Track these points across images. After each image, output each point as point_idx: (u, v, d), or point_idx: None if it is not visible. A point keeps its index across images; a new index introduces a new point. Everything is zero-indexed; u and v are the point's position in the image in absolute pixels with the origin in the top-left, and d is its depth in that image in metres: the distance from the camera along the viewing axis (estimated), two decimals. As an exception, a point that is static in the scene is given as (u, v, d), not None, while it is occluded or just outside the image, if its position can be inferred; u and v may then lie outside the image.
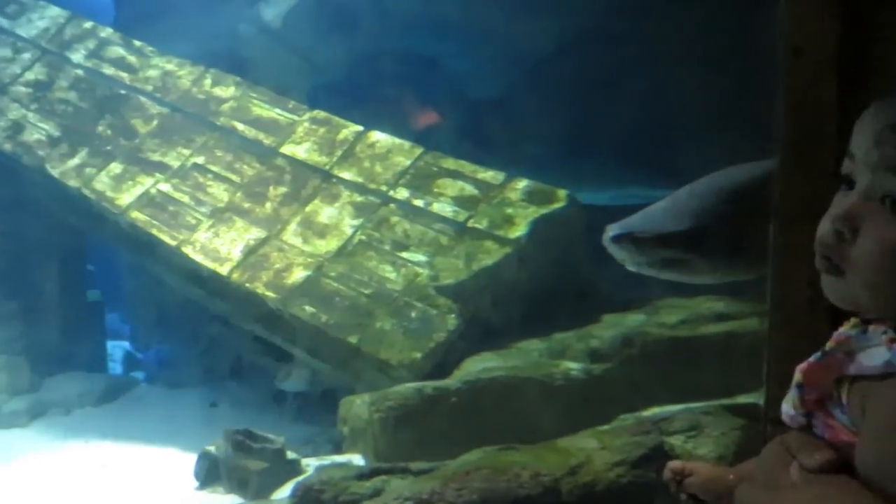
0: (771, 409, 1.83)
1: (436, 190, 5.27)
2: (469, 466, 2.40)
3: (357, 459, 4.06)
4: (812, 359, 1.11)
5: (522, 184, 5.19)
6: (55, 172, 6.00)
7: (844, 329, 1.11)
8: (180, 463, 4.75)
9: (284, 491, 3.69)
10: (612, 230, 3.05)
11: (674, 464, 1.19)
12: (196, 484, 4.29)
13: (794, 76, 1.88)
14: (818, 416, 1.09)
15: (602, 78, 6.97)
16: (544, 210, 4.98)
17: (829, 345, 1.10)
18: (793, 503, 1.03)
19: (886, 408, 0.97)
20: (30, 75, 6.51)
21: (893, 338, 1.02)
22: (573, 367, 4.10)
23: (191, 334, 6.68)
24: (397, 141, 5.61)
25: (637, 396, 3.56)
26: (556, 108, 7.16)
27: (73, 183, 5.92)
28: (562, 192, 5.07)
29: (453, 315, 4.64)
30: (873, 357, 1.03)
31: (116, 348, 7.74)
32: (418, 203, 5.23)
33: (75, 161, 6.03)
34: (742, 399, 2.92)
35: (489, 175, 5.28)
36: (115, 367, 7.50)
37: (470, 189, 5.23)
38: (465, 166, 5.36)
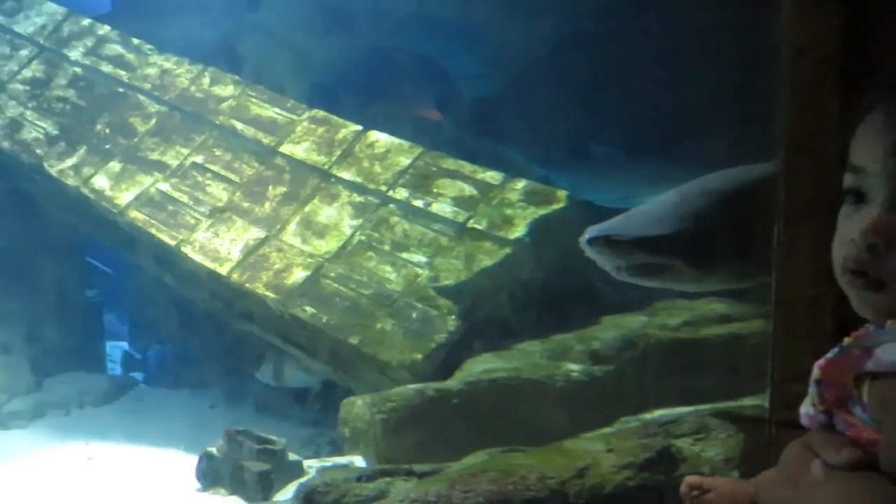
0: (775, 410, 1.84)
1: (435, 190, 5.27)
2: (474, 469, 2.41)
3: (358, 461, 4.07)
4: (830, 354, 1.11)
5: (521, 184, 5.20)
6: (53, 171, 5.98)
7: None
8: (181, 464, 4.75)
9: (287, 493, 3.70)
10: (588, 232, 2.95)
11: (692, 479, 1.18)
12: (198, 485, 4.29)
13: (796, 75, 1.88)
14: (839, 415, 1.09)
15: (598, 77, 6.97)
16: (543, 210, 4.98)
17: (846, 340, 1.10)
18: (818, 499, 1.04)
19: None
20: (27, 73, 6.48)
21: None
22: (574, 368, 4.11)
23: (189, 335, 6.67)
24: (396, 141, 5.61)
25: (639, 399, 3.56)
26: (553, 107, 7.16)
27: (71, 182, 5.90)
28: (561, 193, 5.07)
29: (453, 316, 4.65)
30: (891, 352, 1.03)
31: (115, 349, 7.73)
32: (418, 203, 5.23)
33: (73, 160, 6.01)
34: (748, 401, 2.92)
35: (488, 175, 5.28)
36: (114, 368, 7.48)
37: (469, 189, 5.23)
38: (465, 166, 5.36)
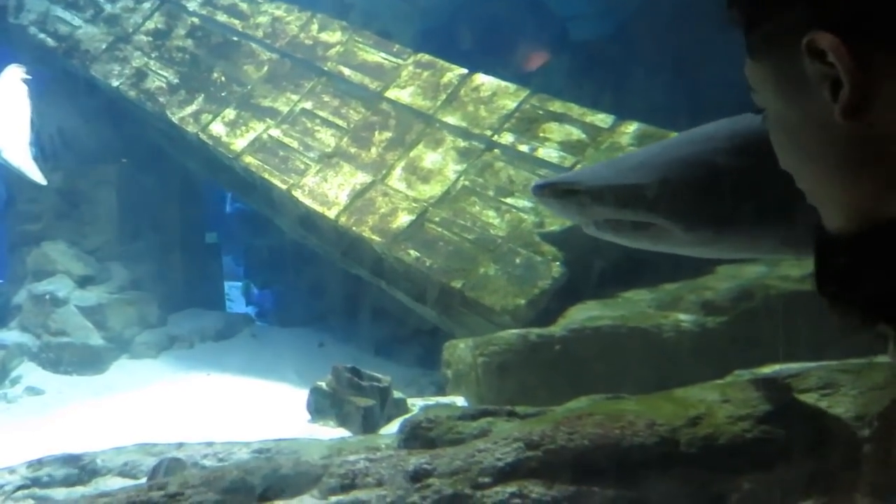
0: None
1: (541, 134, 5.14)
2: (579, 412, 2.37)
3: (460, 402, 4.12)
4: None
5: (632, 127, 4.97)
6: (175, 119, 6.28)
7: None
8: (292, 397, 5.00)
9: (391, 428, 3.80)
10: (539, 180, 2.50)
11: None
12: (308, 417, 4.50)
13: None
14: None
15: (718, 16, 6.46)
16: (656, 155, 4.75)
17: None
18: None
19: None
20: (150, 24, 6.79)
21: None
22: (684, 319, 3.95)
23: (300, 276, 6.95)
24: (502, 83, 5.49)
25: (755, 352, 3.37)
26: (668, 48, 6.76)
27: (191, 129, 6.19)
28: (675, 136, 4.81)
29: (558, 263, 4.57)
30: None
31: (231, 288, 8.17)
32: (523, 148, 5.12)
33: (193, 107, 6.29)
34: (883, 359, 2.68)
35: (598, 118, 5.09)
36: (231, 306, 7.93)
37: (577, 133, 5.06)
38: (573, 109, 5.19)
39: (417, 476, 2.28)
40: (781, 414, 2.26)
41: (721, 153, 2.12)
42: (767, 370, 3.02)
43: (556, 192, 2.32)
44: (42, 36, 6.96)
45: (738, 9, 0.81)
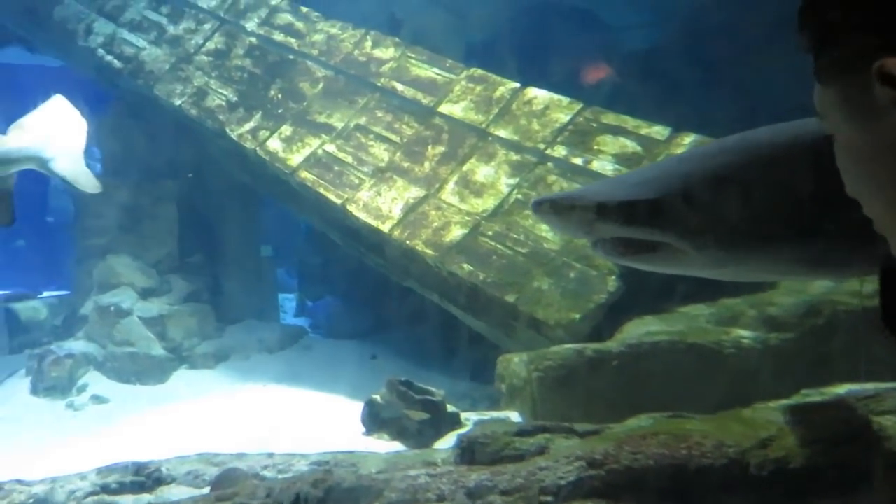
0: None
1: (595, 147, 5.10)
2: (643, 431, 2.32)
3: (514, 417, 4.10)
4: None
5: (689, 139, 4.89)
6: (234, 135, 6.45)
7: None
8: (347, 409, 5.05)
9: (446, 442, 3.80)
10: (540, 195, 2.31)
11: None
12: (363, 429, 4.53)
13: None
14: None
15: (770, 23, 6.34)
16: (714, 167, 4.66)
17: None
18: None
19: None
20: (210, 45, 7.01)
21: None
22: (745, 335, 3.85)
23: (353, 289, 7.03)
24: (555, 97, 5.47)
25: (823, 372, 3.26)
26: (719, 58, 6.65)
27: (249, 145, 6.35)
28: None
29: (613, 277, 4.52)
30: None
31: (285, 300, 8.32)
32: (577, 161, 5.09)
33: (251, 124, 6.46)
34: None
35: (653, 130, 5.02)
36: (285, 318, 8.07)
37: (632, 146, 5.01)
38: (627, 121, 5.13)
39: (478, 492, 2.28)
40: (858, 437, 2.18)
41: (734, 168, 1.99)
42: (838, 390, 2.91)
43: (557, 207, 2.17)
44: (109, 58, 7.25)
45: (808, 34, 0.80)
